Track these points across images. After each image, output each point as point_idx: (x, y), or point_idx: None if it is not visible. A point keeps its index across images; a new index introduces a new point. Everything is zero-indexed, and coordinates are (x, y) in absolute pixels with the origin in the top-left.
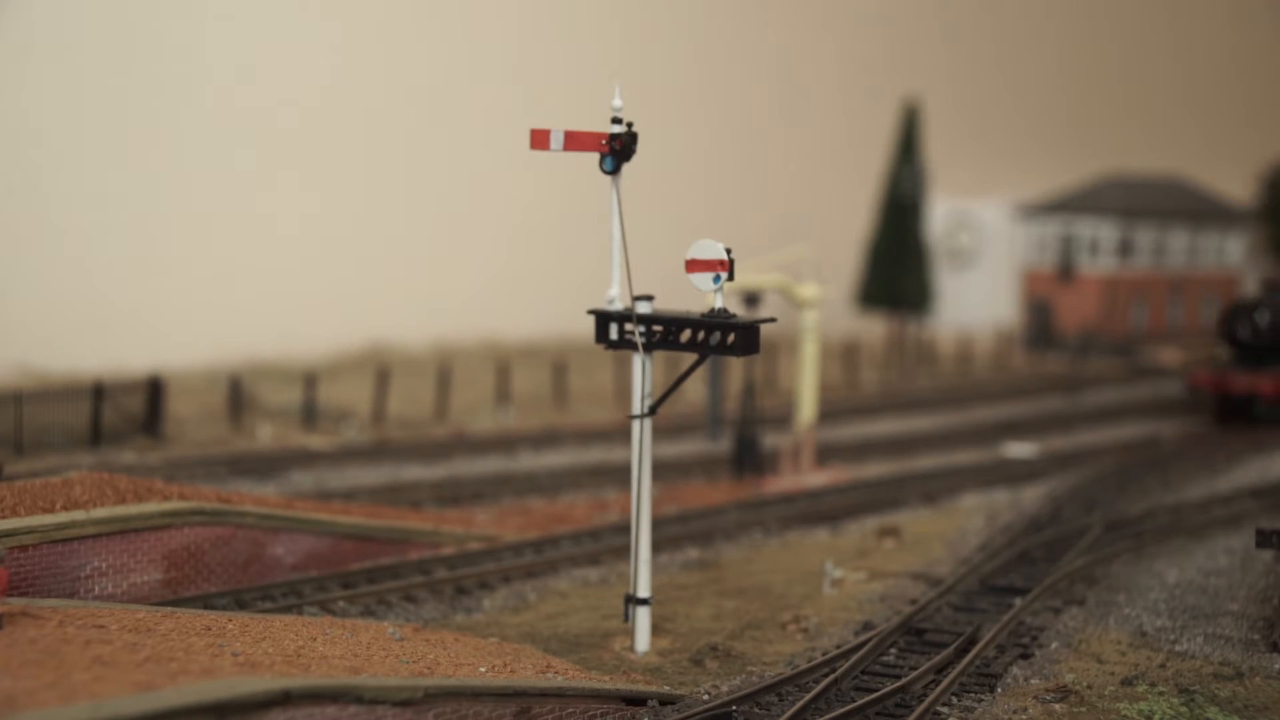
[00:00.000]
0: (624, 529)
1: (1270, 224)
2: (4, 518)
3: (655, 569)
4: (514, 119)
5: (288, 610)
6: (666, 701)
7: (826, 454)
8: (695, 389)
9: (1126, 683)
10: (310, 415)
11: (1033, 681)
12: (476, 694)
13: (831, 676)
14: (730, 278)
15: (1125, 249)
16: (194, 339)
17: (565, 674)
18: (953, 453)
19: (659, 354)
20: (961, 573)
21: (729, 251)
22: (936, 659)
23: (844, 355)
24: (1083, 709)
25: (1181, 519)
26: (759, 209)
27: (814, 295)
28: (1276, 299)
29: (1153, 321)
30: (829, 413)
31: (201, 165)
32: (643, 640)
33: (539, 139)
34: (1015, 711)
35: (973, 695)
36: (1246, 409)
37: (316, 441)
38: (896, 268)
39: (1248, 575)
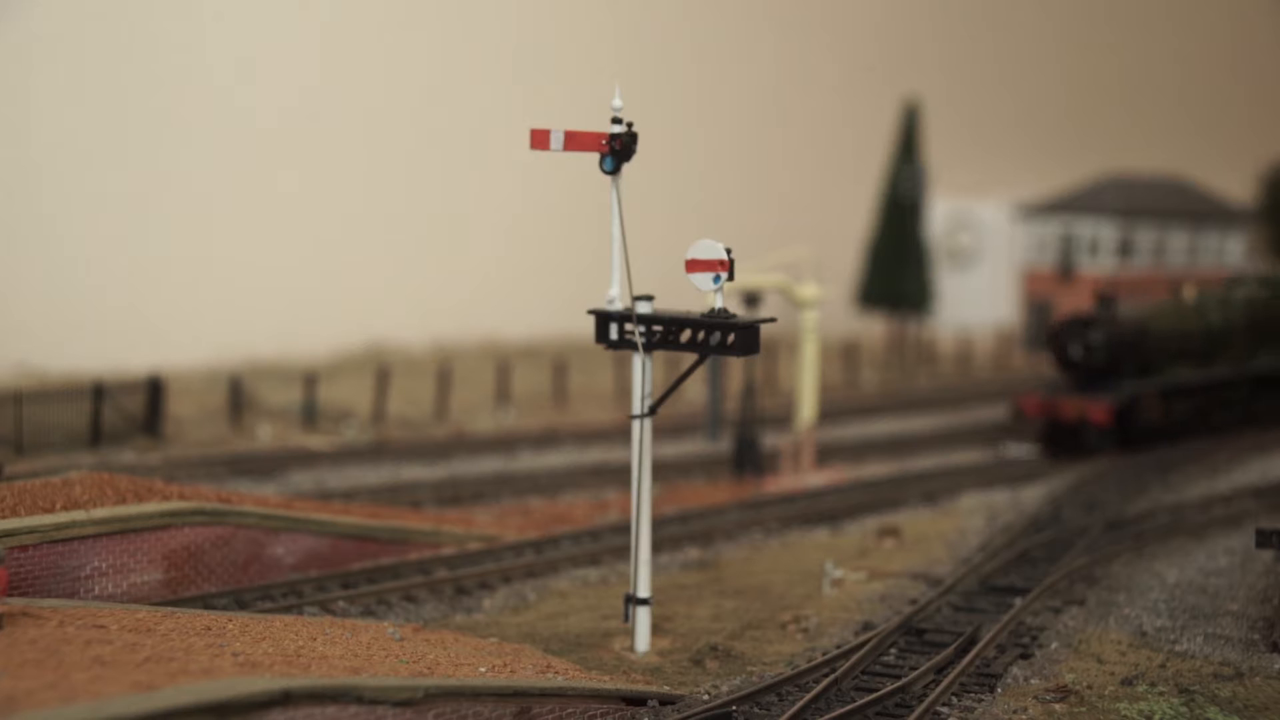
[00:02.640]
0: (624, 529)
1: (1270, 224)
2: (4, 518)
3: (655, 569)
4: (514, 119)
5: (288, 610)
6: (666, 701)
7: (826, 454)
8: (695, 389)
9: (1126, 683)
10: (310, 415)
11: (1033, 681)
12: (476, 694)
13: (831, 676)
14: (730, 278)
15: (1125, 249)
16: (194, 339)
17: (565, 674)
18: (953, 453)
19: (659, 354)
20: (961, 573)
21: (729, 251)
22: (936, 659)
23: (844, 355)
24: (1083, 709)
25: (1181, 519)
26: (759, 209)
27: (814, 295)
28: (1111, 315)
29: None
30: (829, 413)
31: (201, 165)
32: (643, 640)
33: (539, 139)
34: (1015, 711)
35: (973, 695)
36: (1079, 437)
37: (316, 441)
38: (896, 268)
39: (1248, 575)
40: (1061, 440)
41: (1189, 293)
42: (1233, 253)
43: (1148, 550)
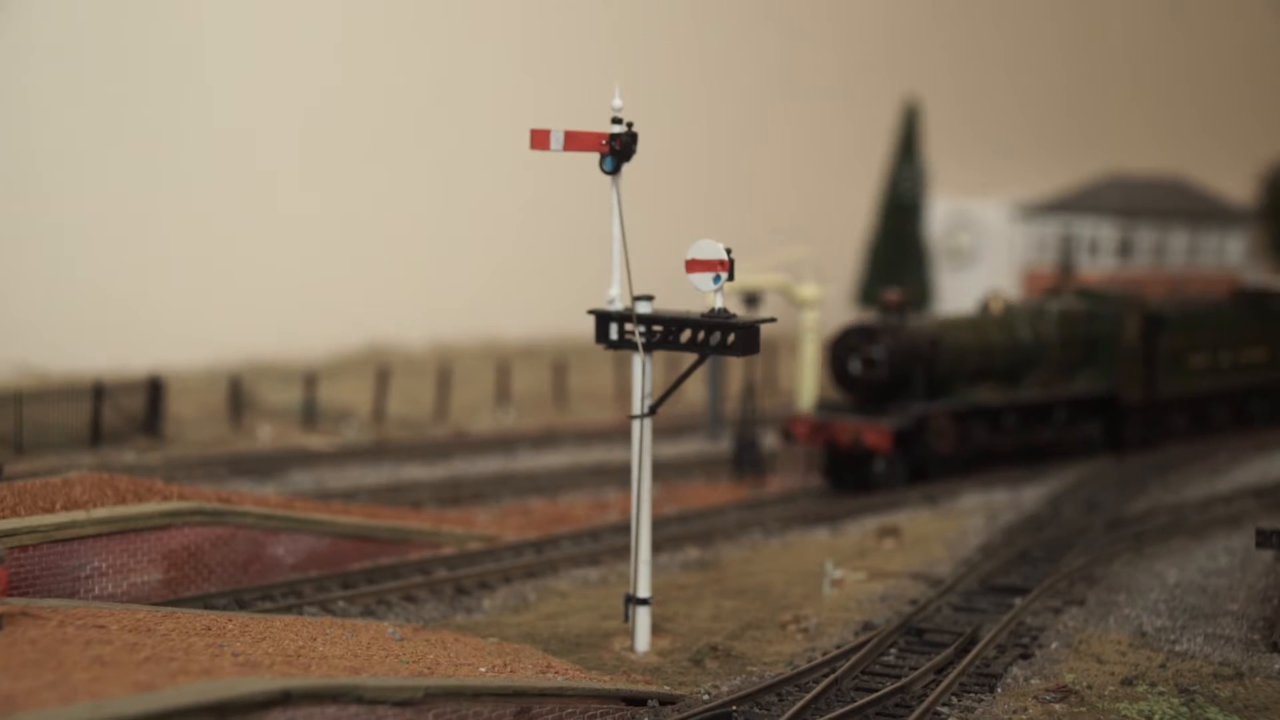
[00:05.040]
0: (624, 529)
1: (1270, 224)
2: (4, 518)
3: (655, 569)
4: (514, 119)
5: (288, 610)
6: (666, 701)
7: None
8: (695, 389)
9: (1126, 683)
10: (310, 415)
11: (1033, 681)
12: (476, 694)
13: (831, 677)
14: (730, 278)
15: (1125, 249)
16: (194, 339)
17: (565, 674)
18: None
19: (659, 354)
20: (961, 573)
21: (729, 251)
22: (937, 659)
23: None
24: (1083, 709)
25: (1181, 519)
26: (759, 209)
27: (814, 295)
28: (896, 323)
29: None
30: None
31: (202, 165)
32: (643, 640)
33: (539, 139)
34: (1015, 711)
35: (973, 695)
36: (864, 466)
37: (316, 441)
38: (896, 268)
39: (1248, 575)
40: (845, 470)
41: (996, 304)
42: (1233, 253)
43: (1148, 550)
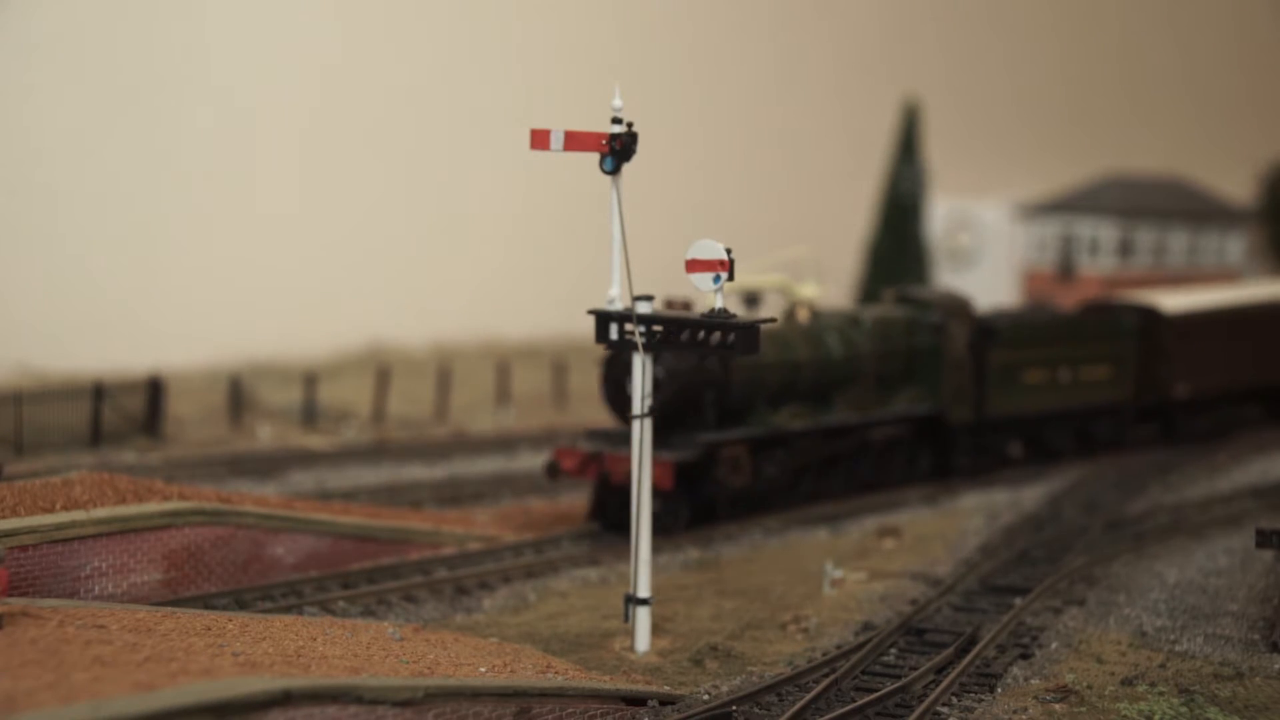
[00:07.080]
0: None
1: (1270, 224)
2: (4, 518)
3: (655, 569)
4: (514, 119)
5: (288, 610)
6: (666, 701)
7: None
8: None
9: (1126, 683)
10: (310, 415)
11: (1033, 681)
12: (476, 694)
13: (832, 677)
14: (730, 278)
15: (1125, 249)
16: (194, 339)
17: (565, 674)
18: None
19: None
20: (961, 573)
21: (729, 251)
22: (937, 659)
23: None
24: (1083, 709)
25: (1182, 519)
26: (759, 209)
27: (814, 295)
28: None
29: None
30: None
31: (201, 165)
32: (643, 640)
33: (539, 139)
34: (1015, 711)
35: (973, 695)
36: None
37: (316, 441)
38: (896, 268)
39: (1248, 575)
40: (619, 509)
41: (802, 314)
42: (1233, 253)
43: (1148, 550)
